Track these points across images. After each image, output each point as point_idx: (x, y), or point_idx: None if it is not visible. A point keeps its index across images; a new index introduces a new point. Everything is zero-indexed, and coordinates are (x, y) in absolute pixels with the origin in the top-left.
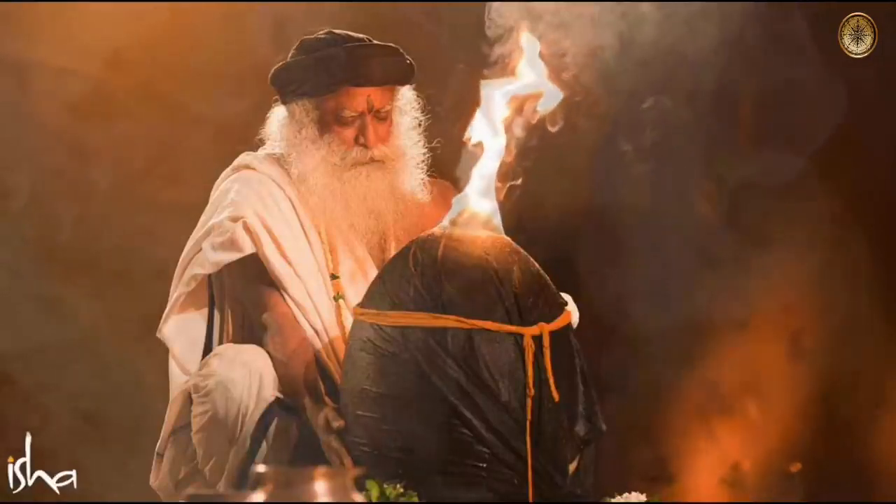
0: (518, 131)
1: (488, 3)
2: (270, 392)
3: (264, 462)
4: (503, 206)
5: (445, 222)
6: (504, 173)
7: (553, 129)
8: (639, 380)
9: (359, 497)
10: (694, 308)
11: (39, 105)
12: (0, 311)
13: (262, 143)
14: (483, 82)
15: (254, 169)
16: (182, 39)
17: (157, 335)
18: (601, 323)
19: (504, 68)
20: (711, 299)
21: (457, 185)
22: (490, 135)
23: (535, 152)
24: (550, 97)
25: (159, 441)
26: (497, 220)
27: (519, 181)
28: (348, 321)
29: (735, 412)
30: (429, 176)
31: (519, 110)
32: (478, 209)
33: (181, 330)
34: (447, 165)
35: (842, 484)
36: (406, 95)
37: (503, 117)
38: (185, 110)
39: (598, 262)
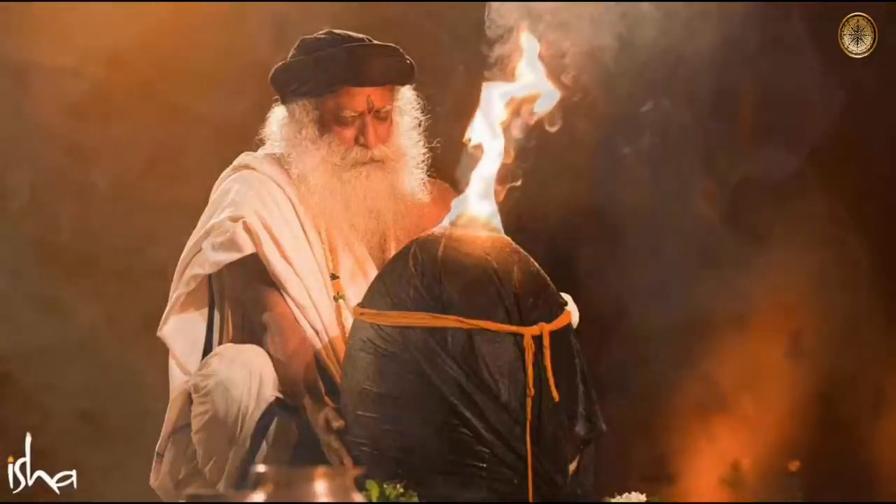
0: (516, 133)
1: (488, 3)
2: (270, 392)
3: (264, 462)
4: (503, 207)
5: (445, 223)
6: (503, 175)
7: (552, 129)
8: (639, 379)
9: (359, 497)
10: (694, 308)
11: (39, 105)
12: (0, 310)
13: (262, 143)
14: (484, 84)
15: (254, 169)
16: (182, 39)
17: (157, 335)
18: (601, 323)
19: (504, 69)
20: (711, 299)
21: (456, 186)
22: (489, 137)
23: (534, 153)
24: (547, 98)
25: (159, 441)
26: (497, 222)
27: (518, 182)
28: (348, 321)
29: (735, 412)
30: (429, 176)
31: (517, 112)
32: (477, 212)
33: (181, 330)
34: (447, 165)
35: (842, 484)
36: (406, 95)
37: (501, 120)
38: (185, 110)
39: (597, 262)
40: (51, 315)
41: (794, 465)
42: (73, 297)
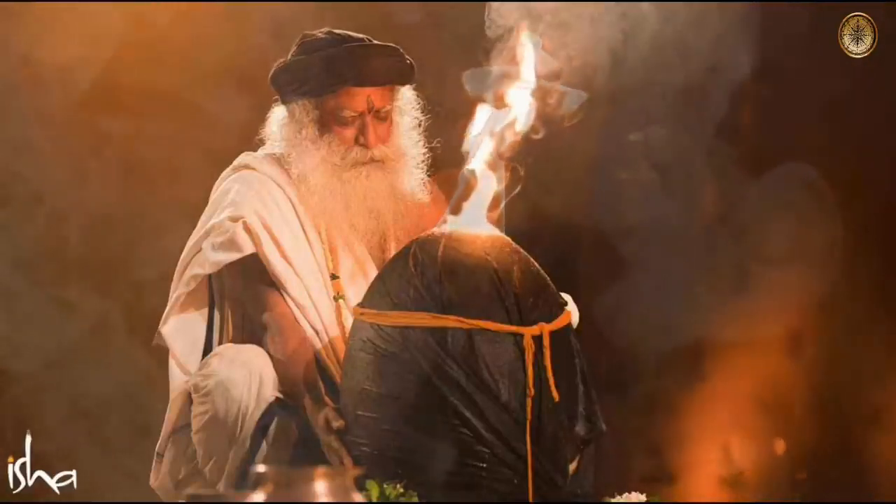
0: (506, 152)
1: (488, 3)
2: (270, 392)
3: (264, 462)
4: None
5: (451, 204)
6: (496, 201)
7: (568, 124)
8: (639, 383)
9: (359, 497)
10: (694, 310)
11: (43, 102)
12: (0, 310)
13: (262, 143)
14: (471, 71)
15: (254, 169)
16: (183, 39)
17: (157, 336)
18: (601, 325)
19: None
20: (712, 301)
21: (455, 187)
22: (498, 116)
23: (535, 150)
24: (575, 97)
25: (159, 441)
26: (502, 204)
27: (522, 172)
28: (348, 321)
29: (735, 414)
30: (428, 176)
31: (543, 101)
32: (485, 183)
33: (181, 330)
34: (447, 165)
35: (842, 485)
36: (406, 95)
37: (489, 152)
38: (186, 110)
39: (597, 265)
40: (51, 315)
41: (800, 475)
42: (74, 297)
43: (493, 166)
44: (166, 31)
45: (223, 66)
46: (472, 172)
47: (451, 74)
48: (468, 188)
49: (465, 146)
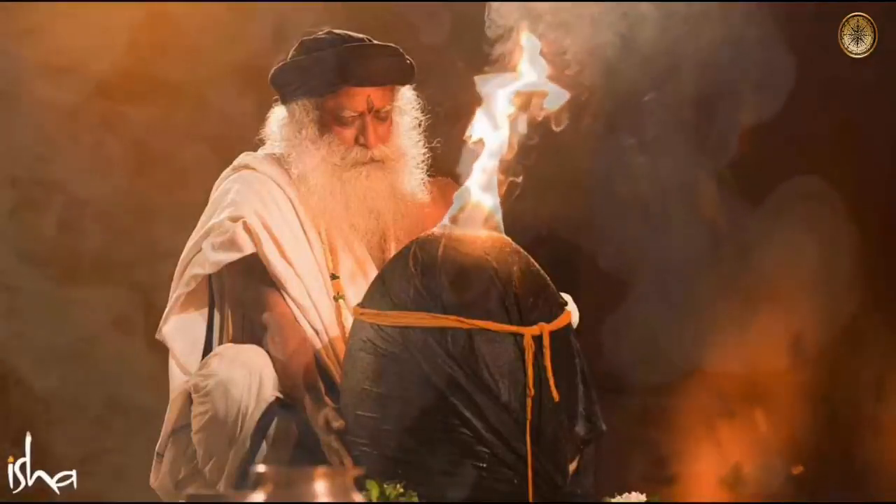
0: (522, 127)
1: (488, 3)
2: (270, 392)
3: (264, 462)
4: (503, 204)
5: (447, 219)
6: (506, 168)
7: (557, 129)
8: (639, 379)
9: (359, 497)
10: (694, 309)
11: (43, 102)
12: (1, 310)
13: (262, 143)
14: (480, 77)
15: (254, 169)
16: (183, 39)
17: (158, 335)
18: (601, 322)
19: (504, 69)
20: (711, 299)
21: (458, 181)
22: (492, 130)
23: (535, 151)
24: (557, 96)
25: (159, 441)
26: (498, 216)
27: (520, 178)
28: (348, 321)
29: (735, 413)
30: (429, 175)
31: (525, 107)
32: (480, 202)
33: (181, 330)
34: (447, 165)
35: (842, 484)
36: (406, 95)
37: (508, 113)
38: (186, 110)
39: (598, 262)
40: (52, 315)
41: (797, 469)
42: (75, 296)
43: (492, 178)
44: (181, 24)
45: (222, 66)
46: (480, 141)
47: (451, 74)
48: (464, 206)
49: (469, 132)
